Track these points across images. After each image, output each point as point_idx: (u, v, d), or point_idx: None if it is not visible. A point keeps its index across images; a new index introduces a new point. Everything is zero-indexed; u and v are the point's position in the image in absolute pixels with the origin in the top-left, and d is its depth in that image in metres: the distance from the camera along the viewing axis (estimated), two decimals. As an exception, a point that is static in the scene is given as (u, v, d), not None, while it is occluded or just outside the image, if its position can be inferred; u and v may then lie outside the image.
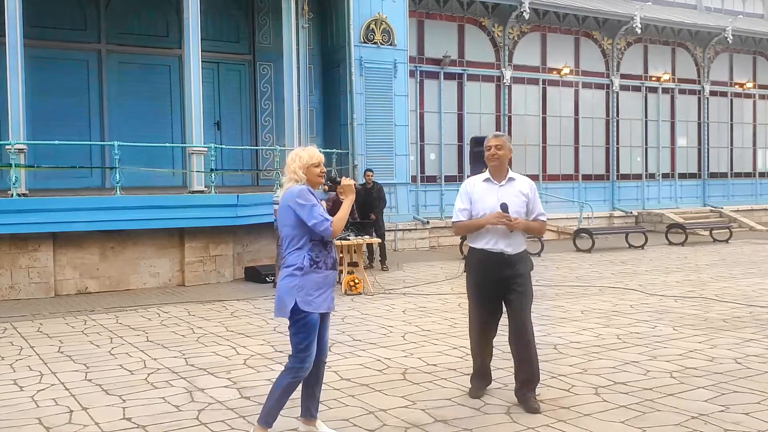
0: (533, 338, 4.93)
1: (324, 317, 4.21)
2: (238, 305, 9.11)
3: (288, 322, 4.14)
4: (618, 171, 21.04)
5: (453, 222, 5.15)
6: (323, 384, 5.35)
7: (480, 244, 4.94)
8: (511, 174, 5.01)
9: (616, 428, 4.38)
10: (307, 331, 4.08)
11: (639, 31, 20.30)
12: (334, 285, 4.25)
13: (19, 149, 10.03)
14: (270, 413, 4.11)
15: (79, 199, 10.47)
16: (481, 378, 5.14)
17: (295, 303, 4.03)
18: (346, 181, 4.27)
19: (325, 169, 4.25)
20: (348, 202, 4.20)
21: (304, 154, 4.16)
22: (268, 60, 16.25)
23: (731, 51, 23.11)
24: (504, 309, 5.05)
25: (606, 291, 10.00)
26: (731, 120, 23.38)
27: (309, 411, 4.31)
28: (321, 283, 4.10)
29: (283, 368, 4.18)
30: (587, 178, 20.51)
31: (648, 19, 20.48)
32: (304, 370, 4.10)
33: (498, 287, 4.93)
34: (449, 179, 17.89)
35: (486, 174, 5.05)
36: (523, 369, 4.87)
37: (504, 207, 4.80)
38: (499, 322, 5.11)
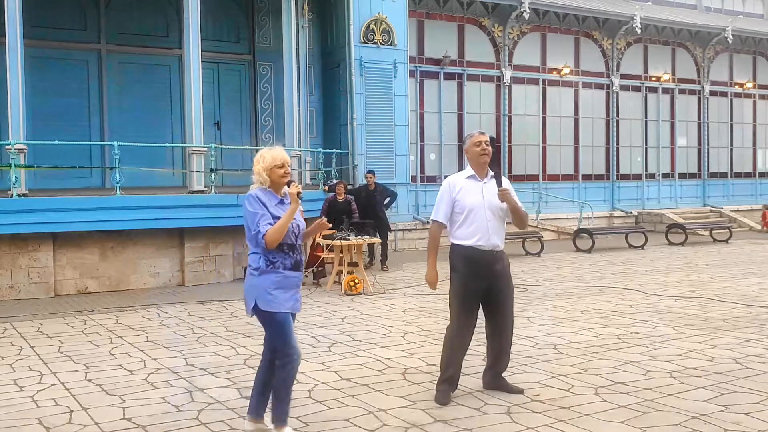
0: (512, 332, 5.19)
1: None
2: (238, 305, 9.10)
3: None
4: (618, 171, 21.04)
5: (432, 220, 5.12)
6: (324, 384, 5.37)
7: (468, 241, 4.94)
8: (490, 172, 5.05)
9: (616, 428, 4.38)
10: (279, 329, 4.11)
11: (639, 31, 20.29)
12: (299, 287, 4.22)
13: (19, 149, 10.03)
14: (284, 411, 4.18)
15: (79, 199, 10.46)
16: (451, 384, 5.03)
17: (255, 303, 4.08)
18: (292, 188, 4.13)
19: (289, 171, 4.20)
20: (290, 211, 4.08)
21: (267, 156, 4.17)
22: (268, 60, 16.24)
23: (731, 51, 23.10)
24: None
25: (606, 291, 10.00)
26: (731, 120, 23.38)
27: (255, 410, 4.32)
28: (281, 283, 4.09)
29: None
30: (587, 178, 20.51)
31: (648, 19, 20.48)
32: (293, 362, 4.13)
33: (485, 285, 4.96)
34: (449, 179, 17.86)
35: (468, 171, 5.07)
36: (502, 361, 5.15)
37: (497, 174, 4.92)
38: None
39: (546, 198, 19.21)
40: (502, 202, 4.89)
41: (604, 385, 5.27)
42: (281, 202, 4.17)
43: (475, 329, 5.18)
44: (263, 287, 4.07)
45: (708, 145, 22.80)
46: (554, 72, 19.80)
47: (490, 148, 5.00)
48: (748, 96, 23.65)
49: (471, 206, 4.92)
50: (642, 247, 16.09)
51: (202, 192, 11.24)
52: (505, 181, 5.07)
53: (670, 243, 16.95)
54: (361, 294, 9.86)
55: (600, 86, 20.68)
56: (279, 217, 4.07)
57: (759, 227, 20.84)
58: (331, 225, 11.73)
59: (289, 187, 4.15)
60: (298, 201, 4.10)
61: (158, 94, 15.08)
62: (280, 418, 4.17)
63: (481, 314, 5.14)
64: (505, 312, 5.08)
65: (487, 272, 4.95)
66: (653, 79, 21.64)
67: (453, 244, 5.05)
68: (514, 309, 5.23)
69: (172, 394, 5.22)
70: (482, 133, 5.09)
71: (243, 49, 16.22)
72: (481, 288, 4.97)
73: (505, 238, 5.13)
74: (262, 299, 4.07)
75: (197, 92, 11.51)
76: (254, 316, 4.17)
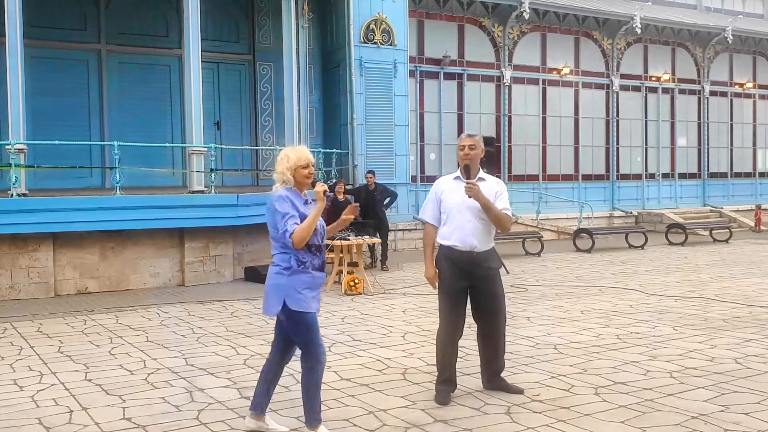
0: (504, 336, 5.15)
1: None
2: (238, 305, 9.11)
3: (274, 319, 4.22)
4: (618, 171, 21.04)
5: (421, 218, 5.29)
6: (324, 384, 5.36)
7: (447, 241, 4.97)
8: (481, 174, 5.03)
9: (616, 428, 4.38)
10: (309, 329, 4.13)
11: (639, 31, 20.30)
12: (320, 287, 4.25)
13: (19, 149, 10.02)
14: (316, 410, 4.21)
15: (79, 199, 10.46)
16: (449, 384, 5.03)
17: (284, 303, 4.07)
18: (317, 187, 4.12)
19: (313, 171, 4.21)
20: (316, 211, 4.09)
21: (292, 155, 4.14)
22: (268, 60, 16.24)
23: (731, 51, 23.10)
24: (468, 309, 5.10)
25: (606, 291, 10.00)
26: (731, 120, 23.38)
27: (260, 407, 4.34)
28: (310, 283, 4.12)
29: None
30: (587, 178, 20.51)
31: (648, 19, 20.48)
32: (321, 363, 4.17)
33: (465, 285, 4.95)
34: (449, 179, 17.87)
35: (457, 173, 5.11)
36: (494, 363, 5.14)
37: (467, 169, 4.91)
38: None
39: (546, 198, 19.21)
40: (469, 197, 4.83)
41: (604, 385, 5.27)
42: (306, 202, 4.18)
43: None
44: (294, 287, 4.06)
45: (708, 145, 22.81)
46: (554, 72, 19.80)
47: (472, 152, 4.97)
48: (748, 96, 23.65)
49: (451, 206, 4.96)
50: (642, 247, 16.09)
51: (202, 192, 11.24)
52: (493, 181, 5.04)
53: (670, 243, 16.96)
54: (361, 294, 9.87)
55: (600, 86, 20.69)
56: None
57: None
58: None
59: (314, 186, 4.14)
60: (324, 199, 4.10)
61: (158, 94, 15.08)
62: (314, 418, 4.20)
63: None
64: (493, 316, 5.03)
65: (468, 272, 4.93)
66: (653, 79, 21.64)
67: (439, 244, 5.09)
68: (506, 312, 5.16)
69: (172, 394, 5.22)
70: (470, 136, 5.09)
71: (243, 49, 16.22)
72: (461, 288, 4.95)
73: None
74: (293, 299, 4.06)
75: (197, 92, 11.50)
76: (278, 315, 4.15)
